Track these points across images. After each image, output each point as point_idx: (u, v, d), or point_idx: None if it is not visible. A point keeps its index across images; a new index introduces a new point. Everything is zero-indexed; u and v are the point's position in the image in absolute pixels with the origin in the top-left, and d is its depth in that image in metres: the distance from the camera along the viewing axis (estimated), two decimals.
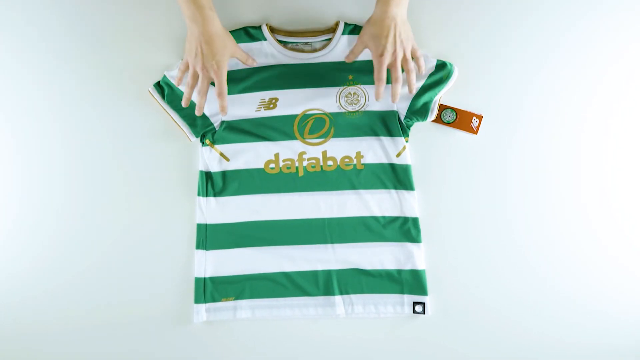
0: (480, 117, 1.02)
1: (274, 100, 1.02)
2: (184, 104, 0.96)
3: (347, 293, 0.99)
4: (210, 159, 1.02)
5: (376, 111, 1.02)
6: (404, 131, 1.02)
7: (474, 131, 1.02)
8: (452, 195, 1.02)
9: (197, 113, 0.96)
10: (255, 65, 1.01)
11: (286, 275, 1.00)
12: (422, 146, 1.03)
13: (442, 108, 1.03)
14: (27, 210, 1.03)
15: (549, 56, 1.05)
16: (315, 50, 1.04)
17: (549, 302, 1.00)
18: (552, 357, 0.99)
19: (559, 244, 1.01)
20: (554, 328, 1.00)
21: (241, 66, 1.03)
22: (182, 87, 1.00)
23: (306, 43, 1.04)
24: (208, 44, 0.90)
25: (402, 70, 0.95)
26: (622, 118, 1.04)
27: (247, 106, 1.02)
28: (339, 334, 1.00)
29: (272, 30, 1.05)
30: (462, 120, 1.03)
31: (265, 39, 1.03)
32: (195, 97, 0.95)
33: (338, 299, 0.99)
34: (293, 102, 1.02)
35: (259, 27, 1.04)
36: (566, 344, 0.99)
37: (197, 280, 1.00)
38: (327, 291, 0.99)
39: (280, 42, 1.04)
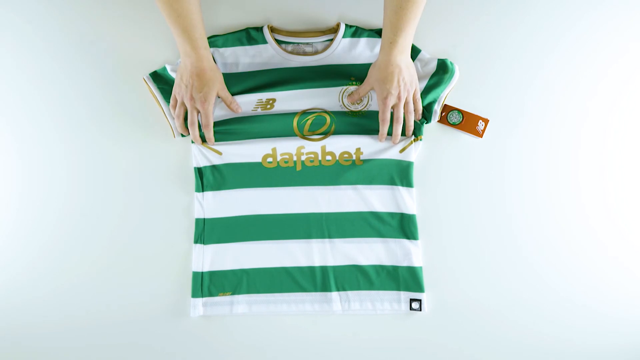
0: (486, 121, 1.02)
1: (271, 101, 1.02)
2: (174, 135, 1.02)
3: (344, 289, 0.99)
4: (201, 154, 1.02)
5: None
6: (417, 129, 1.02)
7: (479, 134, 1.02)
8: (452, 194, 1.02)
9: (195, 141, 1.01)
10: (239, 112, 1.02)
11: (283, 270, 1.00)
12: (425, 145, 1.03)
13: (449, 109, 1.03)
14: (27, 209, 1.03)
15: (551, 58, 1.05)
16: (316, 53, 1.04)
17: (546, 301, 1.00)
18: (548, 354, 0.99)
19: (557, 243, 1.01)
20: (551, 326, 0.99)
21: (240, 69, 1.03)
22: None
23: (307, 44, 1.04)
24: (199, 76, 0.95)
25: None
26: (631, 121, 1.04)
27: (243, 106, 1.02)
28: (336, 330, 1.00)
29: (274, 30, 1.05)
30: (468, 122, 1.03)
31: (266, 42, 1.04)
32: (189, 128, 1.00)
33: (335, 295, 0.99)
34: (292, 102, 1.02)
35: (261, 29, 1.04)
36: (563, 342, 0.99)
37: (195, 274, 1.00)
38: (324, 287, 0.99)
39: (281, 42, 1.04)
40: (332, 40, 1.04)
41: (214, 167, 1.02)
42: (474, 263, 1.01)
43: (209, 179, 1.02)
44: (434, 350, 0.99)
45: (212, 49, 1.03)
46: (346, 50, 1.03)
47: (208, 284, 1.00)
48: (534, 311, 1.00)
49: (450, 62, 1.02)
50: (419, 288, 0.99)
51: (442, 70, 1.02)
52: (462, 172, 1.03)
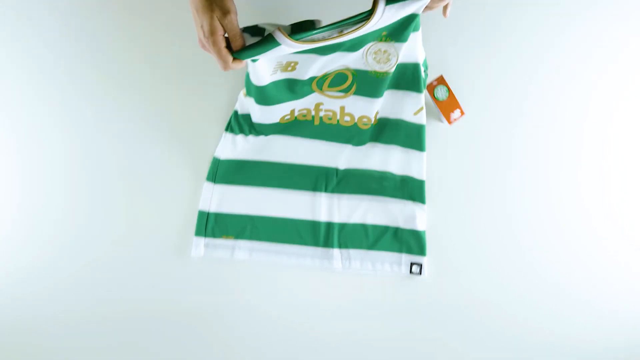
0: (462, 113, 1.00)
1: (292, 64, 0.90)
2: (224, 69, 0.81)
3: (346, 247, 0.99)
4: (245, 104, 1.00)
5: (401, 64, 0.94)
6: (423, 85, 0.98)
7: (449, 121, 1.00)
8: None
9: (225, 69, 0.81)
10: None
11: (289, 221, 1.00)
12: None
13: (441, 82, 0.99)
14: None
15: (551, 56, 1.04)
16: (352, 32, 0.82)
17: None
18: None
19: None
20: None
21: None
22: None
23: (341, 32, 0.82)
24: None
25: None
26: (630, 120, 1.03)
27: (261, 69, 0.88)
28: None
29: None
30: (448, 104, 0.99)
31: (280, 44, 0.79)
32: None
33: (336, 252, 0.99)
34: (314, 65, 0.90)
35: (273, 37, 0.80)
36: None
37: (201, 213, 1.00)
38: (326, 243, 0.99)
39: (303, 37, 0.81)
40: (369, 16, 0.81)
41: (247, 117, 1.01)
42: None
43: (241, 124, 1.01)
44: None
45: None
46: (385, 21, 0.83)
47: (212, 225, 1.00)
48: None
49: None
50: (421, 252, 0.98)
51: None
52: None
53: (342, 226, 1.00)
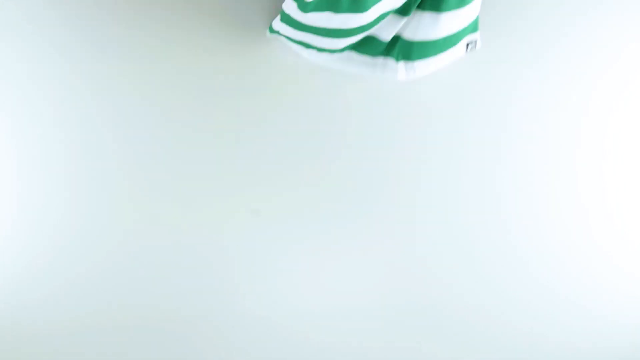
0: None
1: None
2: None
3: (411, 60, 1.00)
4: None
5: None
6: None
7: None
8: None
9: None
10: None
11: (363, 37, 0.96)
12: None
13: None
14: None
15: (550, 55, 0.99)
16: None
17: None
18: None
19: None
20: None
21: None
22: None
23: None
24: None
25: None
26: (628, 120, 1.02)
27: None
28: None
29: None
30: None
31: None
32: None
33: (401, 64, 1.00)
34: None
35: None
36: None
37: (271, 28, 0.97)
38: (390, 55, 0.99)
39: None
40: None
41: None
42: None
43: None
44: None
45: None
46: None
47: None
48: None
49: None
50: (474, 29, 1.01)
51: None
52: None
53: (407, 43, 0.98)
